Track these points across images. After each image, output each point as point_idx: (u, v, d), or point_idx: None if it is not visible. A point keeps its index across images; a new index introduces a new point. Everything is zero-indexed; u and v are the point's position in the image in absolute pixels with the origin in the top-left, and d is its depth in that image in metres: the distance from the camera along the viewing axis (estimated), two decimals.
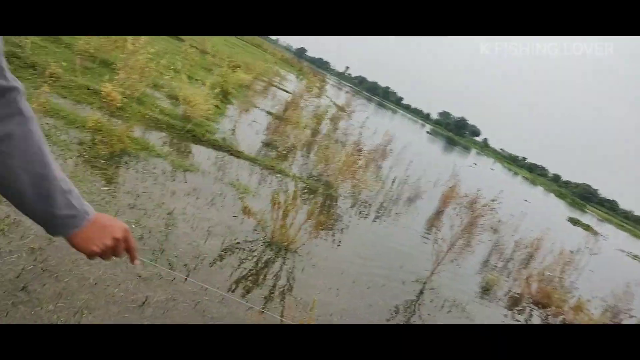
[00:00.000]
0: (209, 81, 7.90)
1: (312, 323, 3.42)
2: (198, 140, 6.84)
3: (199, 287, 3.48)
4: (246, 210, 4.68)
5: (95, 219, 1.06)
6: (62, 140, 4.64)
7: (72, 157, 4.44)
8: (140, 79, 6.70)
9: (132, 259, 1.18)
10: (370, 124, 16.20)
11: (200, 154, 6.48)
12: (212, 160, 6.42)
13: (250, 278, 4.06)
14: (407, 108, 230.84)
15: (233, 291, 3.74)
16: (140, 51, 6.48)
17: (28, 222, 3.24)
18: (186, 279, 3.48)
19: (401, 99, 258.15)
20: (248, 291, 3.86)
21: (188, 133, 6.77)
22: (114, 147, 4.85)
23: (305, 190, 7.19)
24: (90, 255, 1.08)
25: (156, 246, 3.72)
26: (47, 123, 4.87)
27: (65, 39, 8.00)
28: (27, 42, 6.63)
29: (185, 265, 3.69)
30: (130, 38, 6.61)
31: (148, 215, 4.12)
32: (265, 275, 4.25)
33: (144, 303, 3.05)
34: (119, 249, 1.11)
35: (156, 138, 6.11)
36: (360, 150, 8.72)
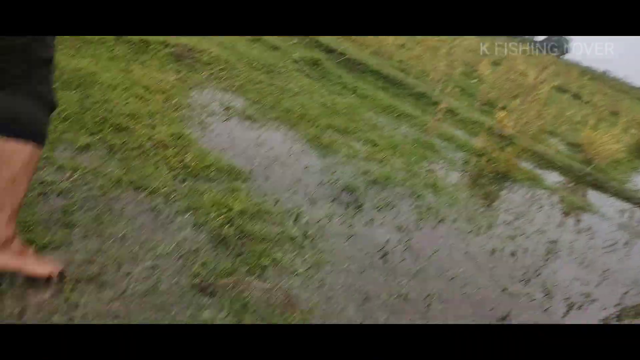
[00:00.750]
0: (623, 123, 6.52)
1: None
2: (599, 186, 5.62)
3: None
4: None
5: None
6: (448, 157, 4.64)
7: (455, 171, 4.34)
8: (535, 117, 6.19)
9: None
10: None
11: (600, 199, 5.25)
12: (617, 208, 5.08)
13: None
14: None
15: None
16: (539, 86, 6.01)
17: None
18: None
19: None
20: None
21: (587, 176, 5.67)
22: (498, 168, 4.48)
23: None
24: None
25: (533, 267, 3.00)
26: (440, 144, 5.01)
27: (468, 90, 8.46)
28: (440, 90, 7.31)
29: (567, 299, 2.79)
30: (533, 74, 6.27)
31: (526, 236, 3.46)
32: None
33: (504, 317, 2.41)
34: None
35: (545, 174, 5.37)
36: None
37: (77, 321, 1.54)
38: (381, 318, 2.10)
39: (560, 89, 15.30)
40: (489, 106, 7.63)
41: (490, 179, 4.40)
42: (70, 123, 2.63)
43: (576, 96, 15.61)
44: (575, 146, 6.90)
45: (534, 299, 2.65)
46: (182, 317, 1.72)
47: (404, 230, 2.91)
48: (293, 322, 1.87)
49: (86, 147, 2.49)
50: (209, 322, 1.74)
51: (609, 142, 5.84)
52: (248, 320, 1.80)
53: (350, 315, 2.06)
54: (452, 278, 2.60)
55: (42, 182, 2.11)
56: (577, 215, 4.40)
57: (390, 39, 7.63)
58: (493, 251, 3.05)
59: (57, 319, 1.52)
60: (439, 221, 3.21)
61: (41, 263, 1.58)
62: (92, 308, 1.62)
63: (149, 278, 1.84)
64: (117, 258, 1.86)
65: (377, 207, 3.08)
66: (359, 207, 3.00)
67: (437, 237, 2.99)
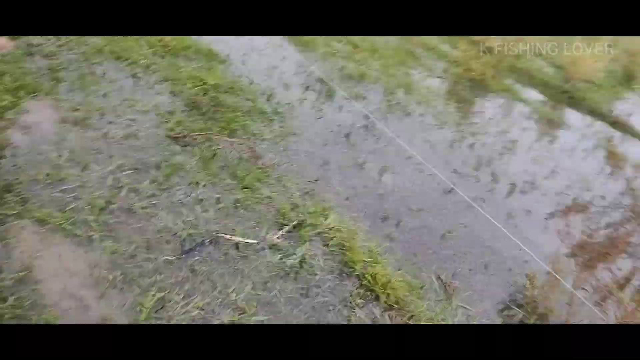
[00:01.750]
0: (603, 42, 6.56)
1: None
2: (575, 103, 5.81)
3: (500, 215, 2.85)
4: (614, 158, 3.57)
5: None
6: (427, 64, 4.79)
7: (432, 77, 4.50)
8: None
9: None
10: None
11: (573, 116, 5.47)
12: (586, 123, 5.31)
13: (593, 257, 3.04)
14: None
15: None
16: None
17: None
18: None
19: None
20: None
21: (565, 94, 5.85)
22: (474, 77, 4.66)
23: None
24: None
25: (483, 158, 3.27)
26: (421, 52, 5.12)
27: None
28: None
29: (512, 184, 3.09)
30: None
31: (488, 135, 3.71)
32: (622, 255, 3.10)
33: (448, 191, 2.71)
34: None
35: (523, 90, 5.53)
36: None
37: (64, 156, 1.79)
38: (334, 179, 2.39)
39: None
40: None
41: (465, 87, 4.58)
42: None
43: None
44: (560, 68, 7.00)
45: (479, 181, 2.95)
46: (157, 159, 1.98)
47: (370, 118, 3.14)
48: (255, 174, 2.14)
49: None
50: (181, 168, 1.99)
51: (588, 61, 5.94)
52: (214, 166, 2.06)
53: (309, 174, 2.34)
54: (408, 157, 2.87)
55: (29, 44, 2.30)
56: (545, 124, 4.64)
57: None
58: (452, 142, 3.31)
59: (46, 148, 1.77)
60: (406, 114, 3.43)
61: None
62: (78, 144, 1.88)
63: (129, 127, 2.09)
64: (100, 109, 2.10)
65: (348, 98, 3.29)
66: (330, 96, 3.20)
67: (401, 126, 3.23)
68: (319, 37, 4.13)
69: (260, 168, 2.18)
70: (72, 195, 1.63)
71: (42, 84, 2.07)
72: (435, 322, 1.65)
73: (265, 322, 1.45)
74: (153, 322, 1.25)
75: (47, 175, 1.65)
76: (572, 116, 5.43)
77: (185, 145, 2.12)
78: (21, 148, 1.72)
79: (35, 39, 2.35)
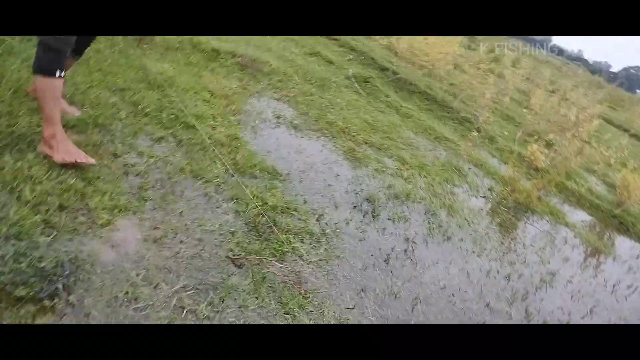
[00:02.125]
0: None
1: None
2: (624, 230, 5.76)
3: None
4: None
5: None
6: (473, 183, 5.01)
7: (476, 197, 4.71)
8: (576, 154, 6.37)
9: None
10: None
11: (622, 243, 5.42)
12: (634, 253, 5.24)
13: None
14: None
15: None
16: (583, 124, 6.20)
17: None
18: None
19: None
20: None
21: (614, 219, 5.83)
22: (519, 198, 4.81)
23: None
24: None
25: (520, 290, 3.37)
26: (469, 169, 5.37)
27: (516, 118, 8.65)
28: (486, 117, 7.58)
29: (545, 322, 3.15)
30: (575, 111, 6.46)
31: (526, 265, 3.81)
32: None
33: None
34: None
35: (570, 211, 5.59)
36: None
37: (141, 275, 2.14)
38: (370, 308, 2.60)
39: (621, 127, 14.90)
40: (533, 137, 7.82)
41: (508, 208, 4.73)
42: (150, 118, 3.30)
43: (637, 137, 15.09)
44: (612, 187, 6.99)
45: (512, 318, 3.04)
46: (215, 279, 2.29)
47: (411, 241, 3.37)
48: (298, 299, 2.40)
49: (160, 139, 3.14)
50: (234, 290, 2.30)
51: None
52: (263, 290, 2.35)
53: (346, 301, 2.57)
54: (443, 287, 3.04)
55: (126, 164, 2.77)
56: (590, 253, 4.65)
57: (442, 62, 7.97)
58: (489, 271, 3.45)
59: (128, 266, 2.14)
60: (446, 238, 3.63)
61: (73, 154, 2.41)
62: (153, 262, 2.23)
63: (196, 247, 2.44)
64: (175, 228, 2.48)
65: (392, 219, 3.55)
66: (375, 217, 3.49)
67: (440, 252, 3.42)
68: (371, 152, 4.51)
69: (302, 294, 2.44)
70: (143, 314, 1.94)
71: (132, 203, 2.48)
72: None
73: None
74: None
75: (126, 293, 1.98)
76: (621, 244, 5.38)
77: (240, 267, 2.43)
78: (108, 266, 2.09)
79: (131, 159, 2.82)
